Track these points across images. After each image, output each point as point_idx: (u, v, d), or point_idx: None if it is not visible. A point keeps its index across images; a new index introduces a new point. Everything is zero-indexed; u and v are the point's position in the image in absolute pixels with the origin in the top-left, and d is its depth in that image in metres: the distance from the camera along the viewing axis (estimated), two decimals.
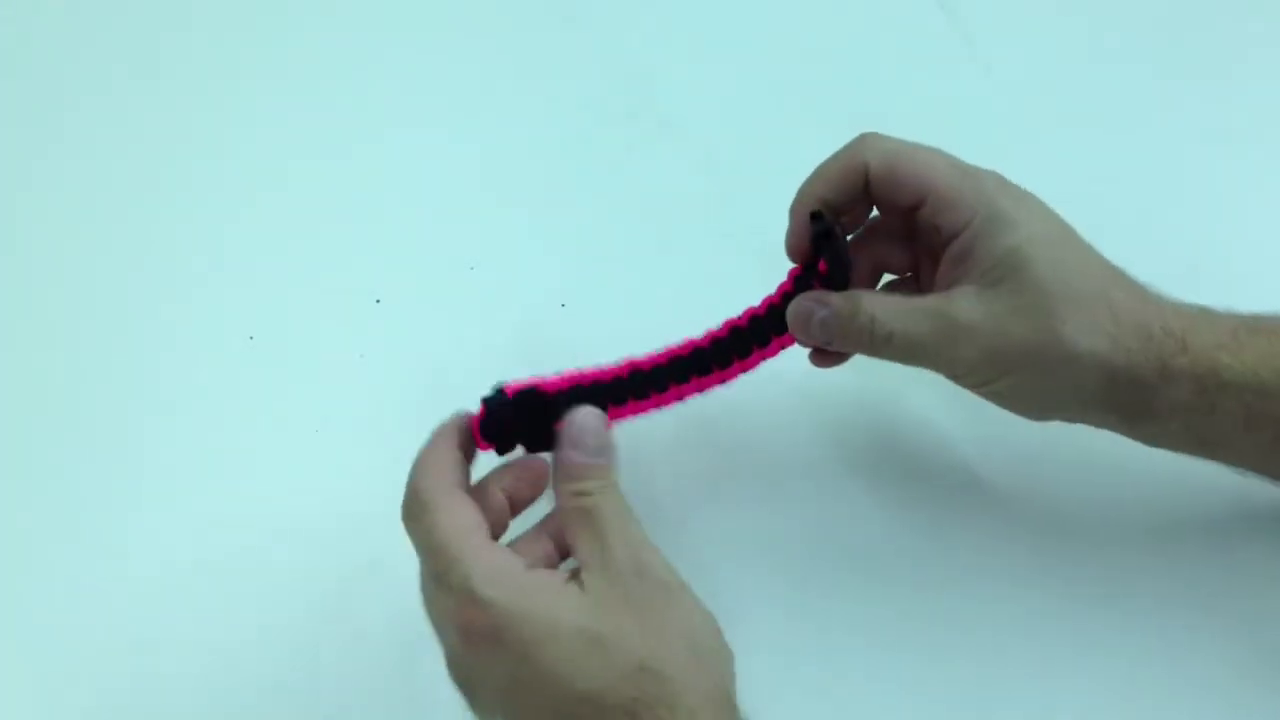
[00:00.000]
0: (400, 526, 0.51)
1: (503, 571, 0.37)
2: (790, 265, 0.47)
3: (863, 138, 0.44)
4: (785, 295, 0.45)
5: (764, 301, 0.46)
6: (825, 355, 0.46)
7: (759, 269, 0.59)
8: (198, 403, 0.56)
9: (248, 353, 0.57)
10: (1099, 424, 0.44)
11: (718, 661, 0.38)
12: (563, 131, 0.66)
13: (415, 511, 0.39)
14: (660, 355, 0.45)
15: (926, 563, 0.49)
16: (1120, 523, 0.49)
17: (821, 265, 0.45)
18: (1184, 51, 0.66)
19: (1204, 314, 0.42)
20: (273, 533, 0.52)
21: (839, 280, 0.45)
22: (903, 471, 0.52)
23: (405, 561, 0.50)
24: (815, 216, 0.44)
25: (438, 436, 0.41)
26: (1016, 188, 0.44)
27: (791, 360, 0.47)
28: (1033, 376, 0.41)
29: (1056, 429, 0.45)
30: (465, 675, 0.38)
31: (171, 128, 0.67)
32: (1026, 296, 0.41)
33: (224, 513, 0.52)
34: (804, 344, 0.45)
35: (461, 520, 0.39)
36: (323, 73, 0.69)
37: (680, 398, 0.45)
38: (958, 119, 0.64)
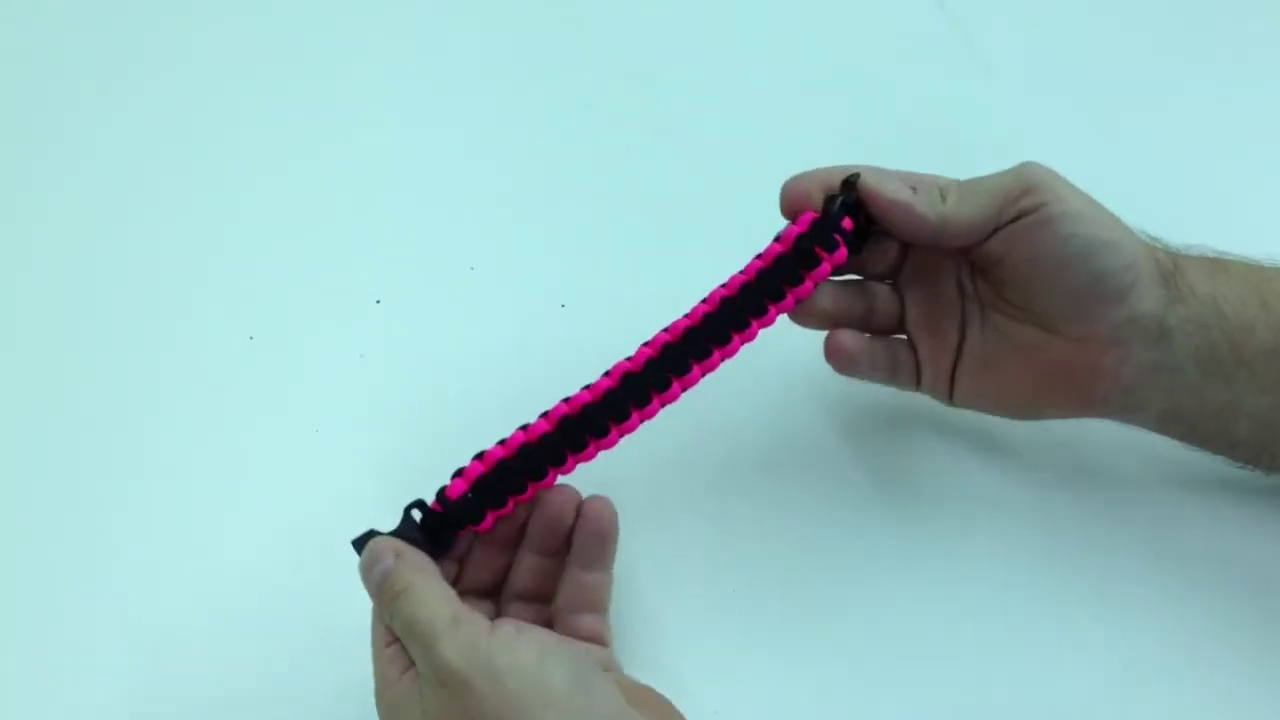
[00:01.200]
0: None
1: (396, 661, 0.39)
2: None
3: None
4: (801, 238, 0.44)
5: (767, 255, 0.45)
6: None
7: None
8: (198, 403, 0.56)
9: (248, 353, 0.57)
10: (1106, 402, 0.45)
11: None
12: (563, 131, 0.66)
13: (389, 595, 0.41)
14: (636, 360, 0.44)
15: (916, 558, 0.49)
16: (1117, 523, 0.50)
17: (848, 222, 0.45)
18: (1184, 51, 0.66)
19: (1224, 273, 0.45)
20: (272, 532, 0.52)
21: (856, 246, 0.45)
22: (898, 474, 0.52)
23: None
24: (848, 184, 0.45)
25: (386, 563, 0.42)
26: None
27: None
28: (1072, 318, 0.43)
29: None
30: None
31: (171, 127, 0.67)
32: (1059, 247, 0.43)
33: (223, 512, 0.52)
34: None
35: (428, 590, 0.40)
36: (323, 72, 0.69)
37: (664, 404, 0.44)
38: (958, 119, 0.64)
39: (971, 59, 0.66)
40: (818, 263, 0.44)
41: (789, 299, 0.44)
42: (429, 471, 0.53)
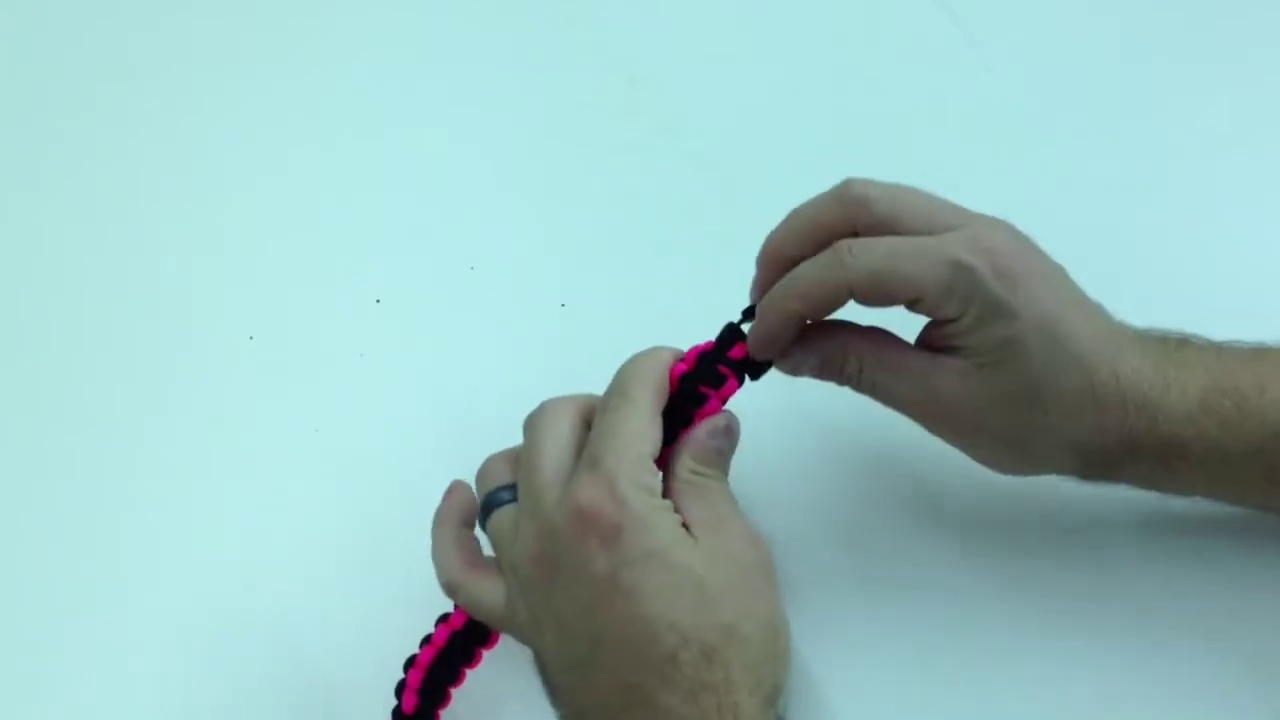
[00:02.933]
0: (398, 526, 0.52)
1: (646, 485, 0.38)
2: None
3: (837, 248, 0.40)
4: (685, 378, 0.42)
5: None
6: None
7: None
8: (198, 402, 0.56)
9: (248, 353, 0.57)
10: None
11: (784, 657, 0.39)
12: (563, 132, 0.65)
13: (620, 390, 0.40)
14: None
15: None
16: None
17: (739, 350, 0.43)
18: (1185, 51, 0.66)
19: (1180, 373, 0.41)
20: (272, 532, 0.52)
21: (754, 369, 0.43)
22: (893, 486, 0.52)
23: (405, 561, 0.50)
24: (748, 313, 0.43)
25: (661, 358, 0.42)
26: (1015, 254, 0.41)
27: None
28: (1005, 452, 0.42)
29: None
30: (550, 564, 0.38)
31: (171, 127, 0.67)
32: (1015, 387, 0.40)
33: (223, 512, 0.52)
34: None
35: (646, 426, 0.40)
36: (323, 72, 0.69)
37: None
38: (958, 119, 0.64)
39: (971, 59, 0.66)
40: (704, 400, 0.42)
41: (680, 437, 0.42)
42: (429, 471, 0.53)
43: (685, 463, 0.40)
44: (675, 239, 0.60)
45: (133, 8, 0.72)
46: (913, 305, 0.40)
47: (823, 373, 0.43)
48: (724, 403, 0.43)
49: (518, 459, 0.42)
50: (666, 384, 0.41)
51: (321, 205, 0.63)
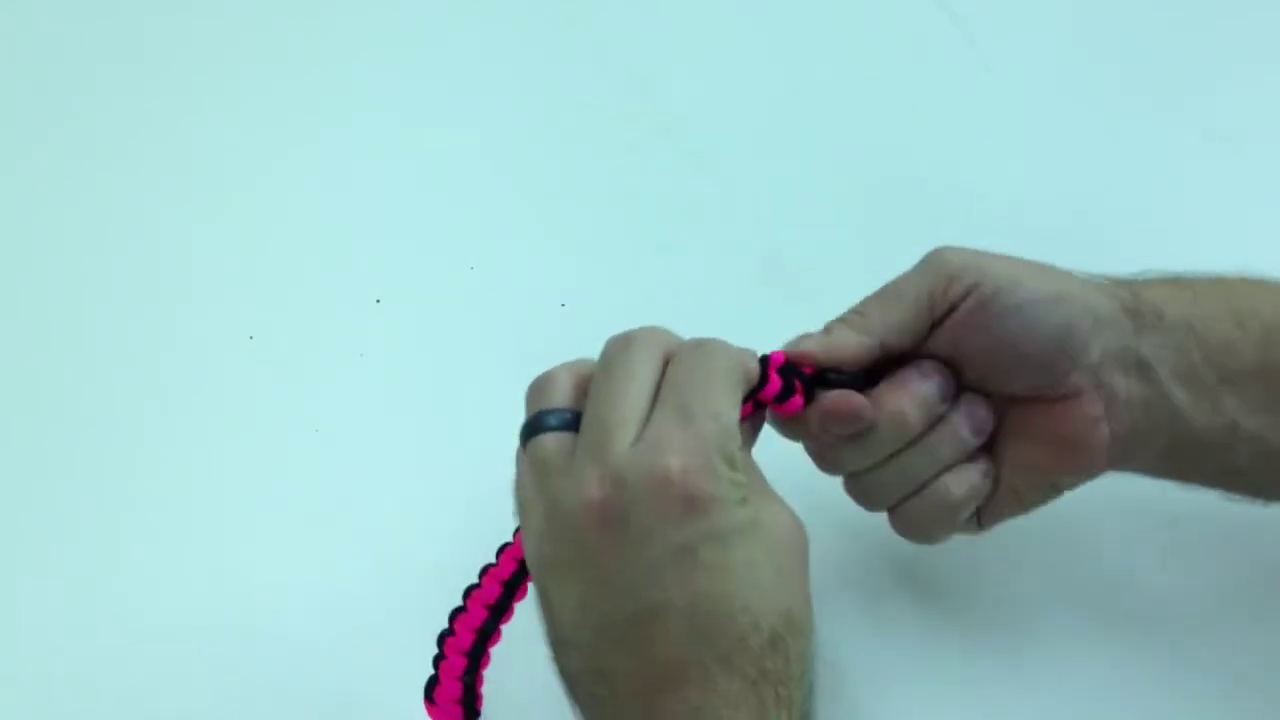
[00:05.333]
0: (398, 526, 0.52)
1: (734, 457, 0.36)
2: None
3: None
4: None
5: None
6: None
7: (759, 269, 0.59)
8: (197, 402, 0.56)
9: (248, 353, 0.57)
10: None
11: (813, 648, 0.37)
12: (563, 132, 0.65)
13: (716, 346, 0.39)
14: None
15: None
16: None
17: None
18: (1185, 51, 0.66)
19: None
20: (271, 532, 0.52)
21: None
22: None
23: (406, 561, 0.50)
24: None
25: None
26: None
27: None
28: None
29: None
30: (613, 518, 0.35)
31: (170, 126, 0.66)
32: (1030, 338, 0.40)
33: (223, 512, 0.52)
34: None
35: (738, 389, 0.38)
36: (323, 72, 0.69)
37: None
38: (958, 119, 0.64)
39: (972, 59, 0.66)
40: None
41: None
42: (429, 472, 0.53)
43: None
44: (675, 239, 0.60)
45: (132, 7, 0.72)
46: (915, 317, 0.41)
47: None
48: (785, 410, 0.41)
49: (588, 383, 0.39)
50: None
51: (321, 205, 0.63)
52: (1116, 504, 0.47)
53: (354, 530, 0.51)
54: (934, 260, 0.41)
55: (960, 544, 0.45)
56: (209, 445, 0.55)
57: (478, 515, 0.50)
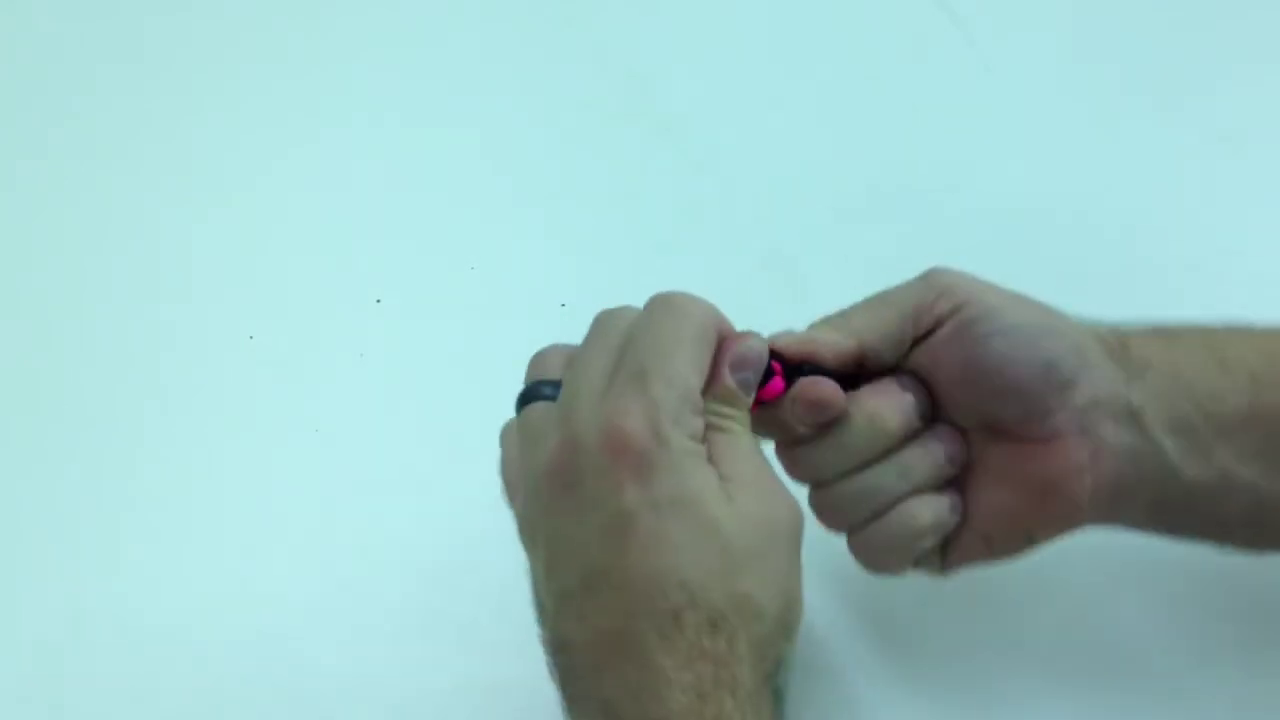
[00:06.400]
0: (398, 526, 0.52)
1: (689, 426, 0.35)
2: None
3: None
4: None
5: None
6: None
7: (759, 268, 0.59)
8: (197, 402, 0.56)
9: (248, 353, 0.57)
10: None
11: (791, 630, 0.36)
12: (563, 131, 0.66)
13: (676, 303, 0.37)
14: None
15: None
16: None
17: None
18: (1185, 52, 0.66)
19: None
20: (271, 532, 0.52)
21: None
22: None
23: (405, 561, 0.50)
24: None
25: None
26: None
27: None
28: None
29: None
30: (566, 482, 0.35)
31: (170, 126, 0.67)
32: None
33: (223, 512, 0.52)
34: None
35: (702, 353, 0.37)
36: (323, 71, 0.69)
37: None
38: (958, 118, 0.64)
39: (971, 59, 0.66)
40: None
41: None
42: (429, 472, 0.53)
43: (706, 404, 0.37)
44: (675, 239, 0.60)
45: (133, 7, 0.72)
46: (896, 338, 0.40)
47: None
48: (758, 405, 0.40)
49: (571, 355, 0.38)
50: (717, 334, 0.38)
51: (322, 205, 0.63)
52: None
53: (354, 530, 0.51)
54: (928, 275, 0.40)
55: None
56: (209, 445, 0.54)
57: (478, 515, 0.50)
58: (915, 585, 0.43)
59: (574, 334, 0.56)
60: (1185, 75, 0.64)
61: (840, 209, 0.60)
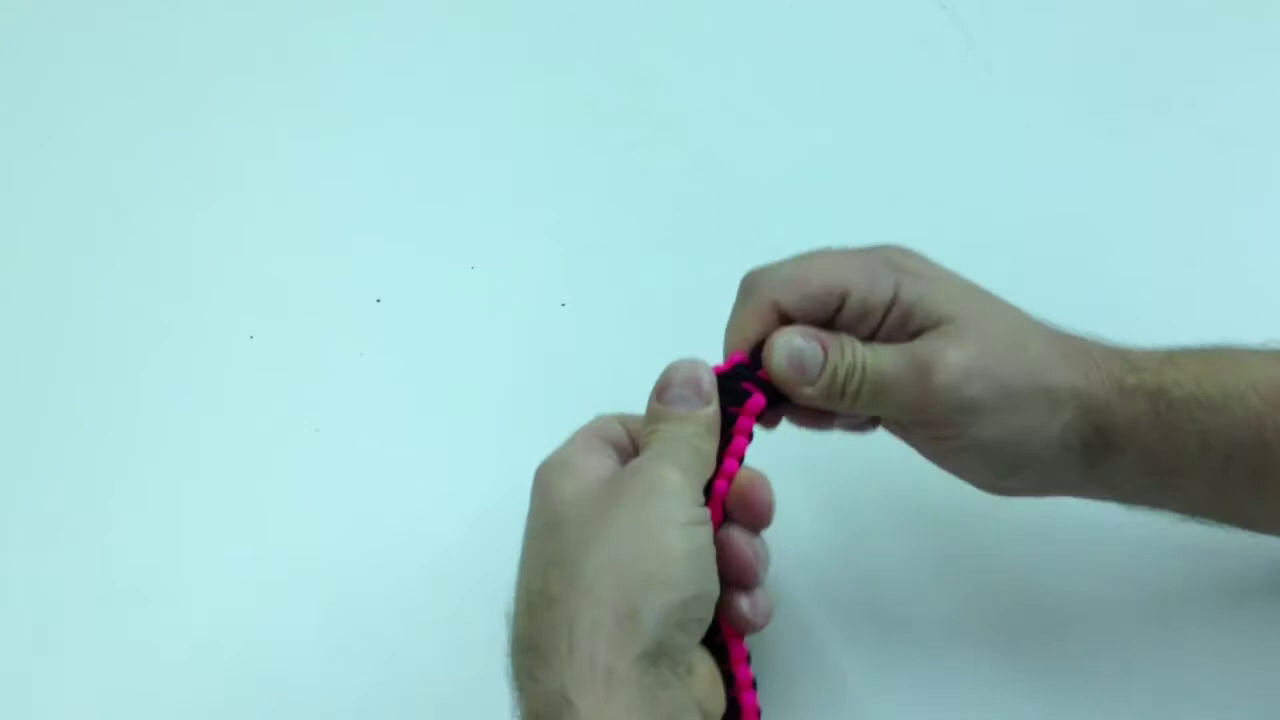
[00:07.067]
0: (398, 525, 0.52)
1: (571, 457, 0.39)
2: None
3: (753, 280, 0.42)
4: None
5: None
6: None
7: None
8: (198, 402, 0.56)
9: (248, 352, 0.57)
10: (1059, 478, 0.42)
11: (651, 580, 0.35)
12: (563, 131, 0.66)
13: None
14: None
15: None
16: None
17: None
18: (1185, 52, 0.66)
19: (1135, 348, 0.41)
20: (271, 532, 0.52)
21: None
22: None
23: (405, 560, 0.50)
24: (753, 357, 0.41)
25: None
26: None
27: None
28: (1006, 417, 0.40)
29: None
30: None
31: (170, 126, 0.67)
32: (988, 338, 0.39)
33: (223, 512, 0.52)
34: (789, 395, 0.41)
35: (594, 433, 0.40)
36: (324, 72, 0.69)
37: None
38: (958, 118, 0.64)
39: (971, 59, 0.66)
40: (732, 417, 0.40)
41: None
42: (429, 472, 0.53)
43: (642, 430, 0.40)
44: (675, 239, 0.60)
45: (133, 6, 0.72)
46: (843, 309, 0.40)
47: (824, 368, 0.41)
48: (752, 419, 0.40)
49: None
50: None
51: (322, 204, 0.63)
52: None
53: (353, 530, 0.51)
54: (885, 257, 0.41)
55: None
56: (209, 445, 0.55)
57: (477, 515, 0.50)
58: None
59: (574, 334, 0.56)
60: (1185, 76, 0.64)
61: (840, 209, 0.60)
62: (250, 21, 0.71)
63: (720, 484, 0.39)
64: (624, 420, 0.41)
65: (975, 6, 0.68)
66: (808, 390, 0.40)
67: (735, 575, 0.39)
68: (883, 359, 0.40)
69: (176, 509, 0.53)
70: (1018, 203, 0.60)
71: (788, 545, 0.45)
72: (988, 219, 0.59)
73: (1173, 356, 0.41)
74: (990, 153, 0.62)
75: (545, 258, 0.60)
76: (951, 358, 0.39)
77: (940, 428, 0.40)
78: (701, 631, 0.37)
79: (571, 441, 0.40)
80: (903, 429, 0.42)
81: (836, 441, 0.44)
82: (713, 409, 0.40)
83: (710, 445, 0.39)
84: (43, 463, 0.54)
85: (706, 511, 0.38)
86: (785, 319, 0.41)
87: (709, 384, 0.40)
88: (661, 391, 0.40)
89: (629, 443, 0.41)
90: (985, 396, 0.39)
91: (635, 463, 0.38)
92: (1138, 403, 0.40)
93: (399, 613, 0.49)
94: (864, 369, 0.40)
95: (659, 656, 0.35)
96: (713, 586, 0.37)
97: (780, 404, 0.41)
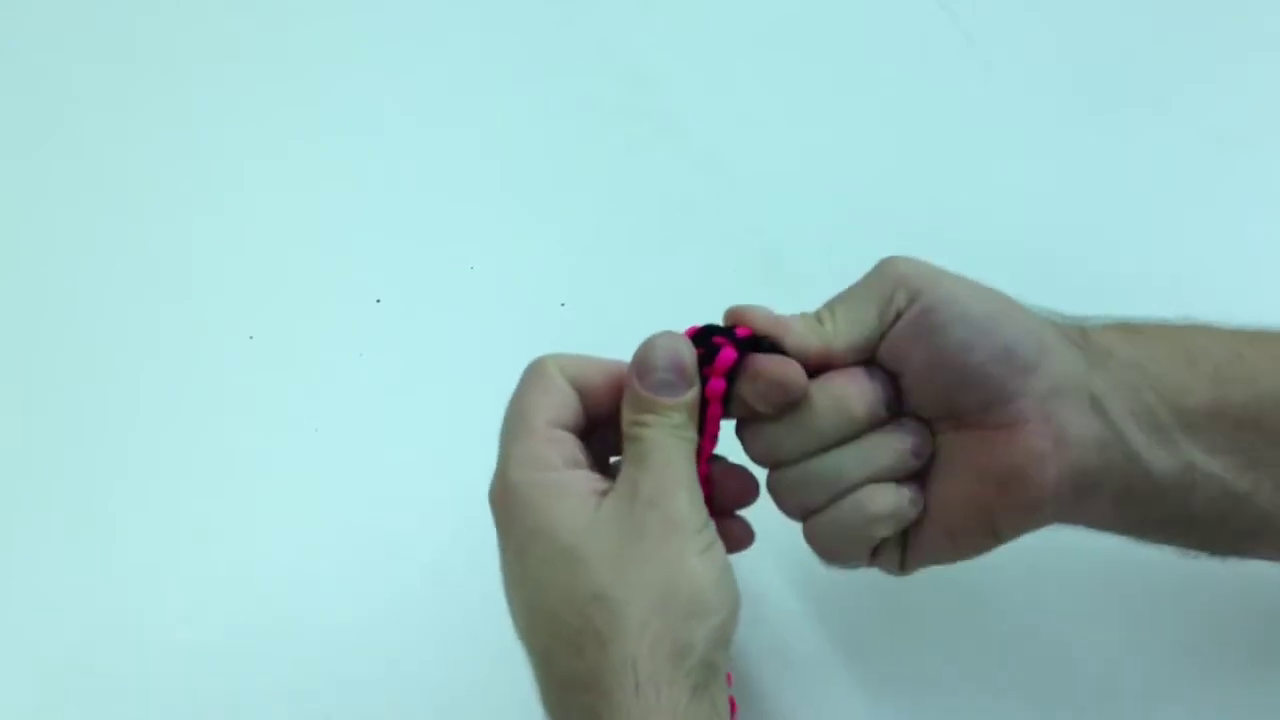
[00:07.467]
0: (397, 525, 0.52)
1: (541, 458, 0.37)
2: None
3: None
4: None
5: None
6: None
7: (759, 268, 0.59)
8: (198, 402, 0.56)
9: (248, 352, 0.57)
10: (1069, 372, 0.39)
11: (692, 612, 0.36)
12: (563, 131, 0.66)
13: (529, 368, 0.40)
14: None
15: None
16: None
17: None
18: (1185, 52, 0.66)
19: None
20: (271, 532, 0.52)
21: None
22: None
23: (404, 560, 0.50)
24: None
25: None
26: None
27: None
28: (1001, 323, 0.38)
29: None
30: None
31: (170, 126, 0.67)
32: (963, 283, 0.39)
33: (223, 513, 0.52)
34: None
35: (552, 391, 0.39)
36: (323, 72, 0.69)
37: None
38: (958, 118, 0.64)
39: (971, 58, 0.66)
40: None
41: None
42: (428, 471, 0.53)
43: (625, 415, 0.38)
44: (675, 239, 0.60)
45: (132, 6, 0.72)
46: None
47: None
48: (724, 379, 0.39)
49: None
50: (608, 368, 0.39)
51: (321, 205, 0.63)
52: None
53: (353, 530, 0.51)
54: (883, 267, 0.40)
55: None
56: (209, 445, 0.55)
57: (477, 515, 0.50)
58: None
59: (574, 334, 0.56)
60: (1185, 75, 0.64)
61: (839, 209, 0.60)
62: (250, 21, 0.71)
63: (702, 468, 0.39)
64: (565, 368, 0.39)
65: (975, 6, 0.68)
66: (798, 328, 0.39)
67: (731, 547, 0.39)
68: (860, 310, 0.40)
69: (175, 508, 0.53)
70: (1017, 202, 0.60)
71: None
72: (987, 219, 0.59)
73: (1122, 327, 0.41)
74: (990, 152, 0.62)
75: (545, 258, 0.60)
76: (936, 288, 0.38)
77: (964, 385, 0.39)
78: (732, 640, 0.37)
79: (530, 433, 0.38)
80: (939, 427, 0.40)
81: None
82: (696, 389, 0.39)
83: (694, 430, 0.39)
84: (42, 462, 0.55)
85: (713, 526, 0.38)
86: None
87: (691, 363, 0.38)
88: (644, 375, 0.38)
89: (581, 410, 0.39)
90: (976, 306, 0.38)
91: (645, 492, 0.37)
92: (1096, 342, 0.40)
93: (398, 613, 0.49)
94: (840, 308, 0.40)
95: (708, 680, 0.36)
96: (738, 597, 0.37)
97: (751, 353, 0.39)
